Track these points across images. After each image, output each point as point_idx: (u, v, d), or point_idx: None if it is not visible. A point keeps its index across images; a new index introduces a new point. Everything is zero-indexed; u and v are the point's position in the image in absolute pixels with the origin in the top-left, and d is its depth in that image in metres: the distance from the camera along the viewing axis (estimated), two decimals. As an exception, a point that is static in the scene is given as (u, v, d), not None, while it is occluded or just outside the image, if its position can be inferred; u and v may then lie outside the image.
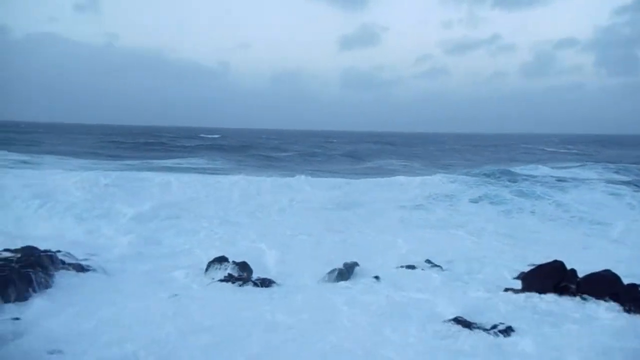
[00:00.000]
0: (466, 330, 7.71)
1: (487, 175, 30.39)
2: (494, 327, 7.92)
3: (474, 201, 22.67)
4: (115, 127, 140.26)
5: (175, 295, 9.94)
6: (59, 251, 11.11)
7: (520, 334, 7.75)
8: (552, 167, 38.84)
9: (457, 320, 8.04)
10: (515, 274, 10.85)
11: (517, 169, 35.88)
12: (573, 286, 9.49)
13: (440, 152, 71.66)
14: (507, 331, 7.81)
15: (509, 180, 28.70)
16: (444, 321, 8.05)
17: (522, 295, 9.43)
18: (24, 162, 35.07)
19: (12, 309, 8.62)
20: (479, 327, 7.86)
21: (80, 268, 10.86)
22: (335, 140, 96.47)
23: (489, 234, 17.03)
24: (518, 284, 10.08)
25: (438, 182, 26.61)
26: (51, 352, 6.96)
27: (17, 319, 7.96)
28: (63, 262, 10.71)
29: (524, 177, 30.70)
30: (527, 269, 11.05)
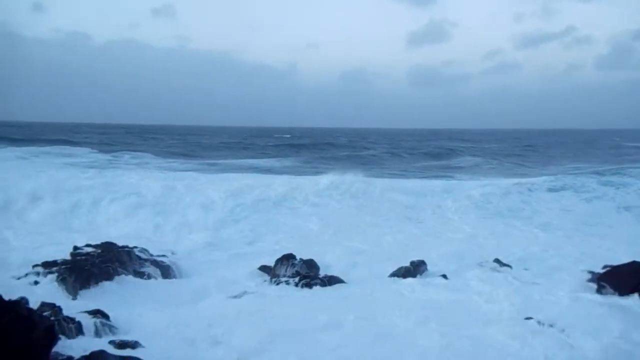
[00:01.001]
0: (536, 333, 7.44)
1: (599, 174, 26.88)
2: (566, 329, 7.59)
3: (554, 190, 21.78)
4: (189, 128, 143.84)
5: (245, 292, 10.19)
6: (135, 247, 11.65)
7: (597, 338, 7.37)
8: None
9: (527, 322, 7.78)
10: (588, 275, 10.35)
11: None
12: (655, 288, 8.98)
13: (519, 148, 67.89)
14: (581, 335, 7.46)
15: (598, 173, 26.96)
16: (514, 323, 7.80)
17: (599, 297, 9.01)
18: (108, 160, 36.88)
19: (92, 301, 9.15)
20: (549, 329, 7.56)
21: (156, 264, 11.33)
22: (409, 139, 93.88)
23: (561, 228, 16.47)
24: (592, 285, 9.64)
25: (529, 180, 25.20)
26: (133, 346, 7.21)
27: (97, 311, 8.34)
28: (140, 258, 11.22)
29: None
30: (598, 268, 10.58)
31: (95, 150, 44.82)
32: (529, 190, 21.73)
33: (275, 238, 15.35)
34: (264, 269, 12.07)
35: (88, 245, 11.24)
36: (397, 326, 7.96)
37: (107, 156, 40.34)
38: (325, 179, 22.22)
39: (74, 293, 9.31)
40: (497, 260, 12.12)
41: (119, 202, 16.85)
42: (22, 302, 6.10)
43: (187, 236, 14.89)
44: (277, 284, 10.84)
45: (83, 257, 10.44)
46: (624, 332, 7.47)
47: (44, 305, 7.55)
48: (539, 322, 7.73)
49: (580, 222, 17.67)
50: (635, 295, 8.96)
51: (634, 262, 9.54)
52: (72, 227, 14.87)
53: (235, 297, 9.95)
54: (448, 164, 45.82)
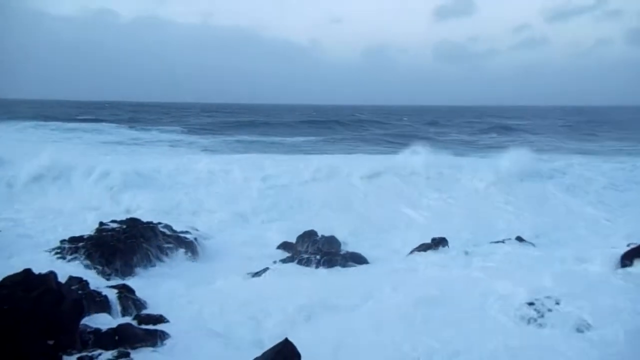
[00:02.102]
0: (546, 315, 7.35)
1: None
2: (584, 307, 7.46)
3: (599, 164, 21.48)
4: (213, 105, 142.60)
5: (268, 269, 10.28)
6: (159, 223, 11.81)
7: (616, 316, 7.26)
8: None
9: (540, 303, 7.62)
10: (616, 252, 10.10)
11: None
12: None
13: (556, 126, 63.78)
14: (606, 309, 7.36)
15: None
16: (526, 303, 7.69)
17: (619, 277, 8.88)
18: (134, 138, 37.24)
19: (118, 276, 9.41)
20: (561, 310, 7.39)
21: (180, 240, 11.48)
22: (439, 116, 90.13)
23: (588, 201, 16.42)
24: (615, 264, 9.44)
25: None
26: (158, 320, 7.38)
27: (123, 285, 8.49)
28: (164, 234, 11.39)
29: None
30: (620, 242, 10.38)
31: (122, 127, 45.47)
32: (573, 165, 21.25)
33: (298, 215, 15.41)
34: (285, 245, 12.20)
35: (113, 222, 11.45)
36: (400, 305, 7.98)
37: (133, 133, 40.83)
38: (356, 158, 22.02)
39: (100, 268, 9.55)
40: (518, 238, 12.07)
41: (143, 179, 17.02)
42: (51, 276, 6.31)
43: (209, 213, 15.03)
44: (299, 260, 10.91)
45: (109, 233, 10.66)
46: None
47: (71, 279, 7.77)
48: (554, 301, 7.65)
49: (621, 200, 17.33)
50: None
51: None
52: (96, 204, 15.04)
53: (257, 274, 10.08)
54: (485, 140, 44.62)
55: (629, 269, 9.19)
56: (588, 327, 6.98)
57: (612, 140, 42.63)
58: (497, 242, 11.80)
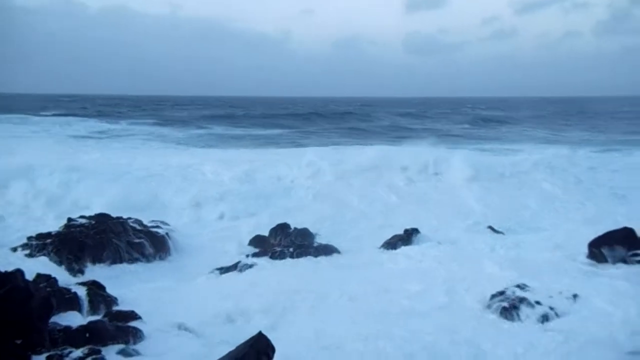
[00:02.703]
0: (515, 305, 7.40)
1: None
2: (552, 297, 7.57)
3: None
4: (187, 98, 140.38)
5: (240, 263, 10.23)
6: (129, 218, 11.61)
7: (583, 305, 7.40)
8: None
9: (510, 292, 7.69)
10: (582, 242, 10.29)
11: None
12: (644, 255, 9.00)
13: (529, 117, 63.99)
14: (573, 298, 7.50)
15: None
16: (495, 293, 7.75)
17: (586, 265, 9.07)
18: (102, 131, 36.52)
19: (87, 273, 9.25)
20: (529, 300, 7.46)
21: (150, 235, 11.30)
22: (412, 108, 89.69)
23: (562, 187, 16.71)
24: (582, 252, 9.62)
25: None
26: (130, 317, 7.22)
27: (93, 282, 8.33)
28: (134, 229, 11.21)
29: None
30: (588, 229, 10.62)
31: (91, 121, 44.69)
32: (548, 154, 21.52)
33: (271, 208, 15.31)
34: (258, 239, 12.12)
35: (82, 217, 11.23)
36: (372, 296, 8.04)
37: (104, 127, 40.11)
38: (332, 150, 21.98)
39: (68, 264, 9.37)
40: (490, 228, 12.22)
41: (114, 174, 16.73)
42: (18, 274, 6.17)
43: (182, 207, 14.85)
44: (272, 254, 10.87)
45: (77, 229, 10.46)
46: (608, 301, 7.40)
47: (39, 276, 7.61)
48: (523, 291, 7.75)
49: (593, 185, 17.65)
50: (621, 262, 9.02)
51: (624, 229, 9.54)
52: (64, 201, 14.63)
53: (230, 268, 10.03)
54: (462, 131, 44.72)
55: (595, 257, 9.38)
56: (554, 316, 7.12)
57: (583, 130, 43.41)
58: (469, 232, 11.97)
